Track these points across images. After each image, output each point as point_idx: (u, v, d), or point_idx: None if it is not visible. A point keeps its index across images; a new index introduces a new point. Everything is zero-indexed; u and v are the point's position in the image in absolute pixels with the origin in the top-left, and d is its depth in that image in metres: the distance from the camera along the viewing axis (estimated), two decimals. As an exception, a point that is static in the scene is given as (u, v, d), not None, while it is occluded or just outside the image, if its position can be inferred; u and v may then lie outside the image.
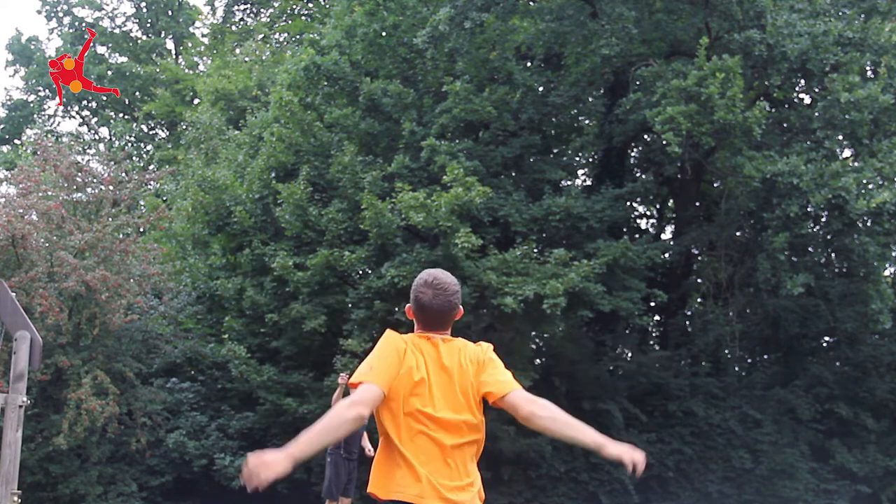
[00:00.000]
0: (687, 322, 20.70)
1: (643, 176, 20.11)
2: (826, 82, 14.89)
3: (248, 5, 31.74)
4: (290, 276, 15.48)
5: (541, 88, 17.87)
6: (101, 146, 29.27)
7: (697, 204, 20.58)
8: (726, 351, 20.14)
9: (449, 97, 16.24)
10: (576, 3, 17.06)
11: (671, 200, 22.52)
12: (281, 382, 15.89)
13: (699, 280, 20.25)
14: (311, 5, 30.43)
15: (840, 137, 15.47)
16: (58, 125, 33.05)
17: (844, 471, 18.32)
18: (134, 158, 28.83)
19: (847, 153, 16.85)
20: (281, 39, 30.47)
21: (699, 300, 21.21)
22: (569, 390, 17.33)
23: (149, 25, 33.16)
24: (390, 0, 17.24)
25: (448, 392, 3.03)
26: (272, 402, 15.72)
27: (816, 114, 15.40)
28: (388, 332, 3.15)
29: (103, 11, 32.58)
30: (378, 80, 17.15)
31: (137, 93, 31.17)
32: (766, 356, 21.34)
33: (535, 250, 15.32)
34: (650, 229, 22.55)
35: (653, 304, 18.94)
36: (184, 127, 25.74)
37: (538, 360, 18.22)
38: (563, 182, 18.24)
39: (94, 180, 16.05)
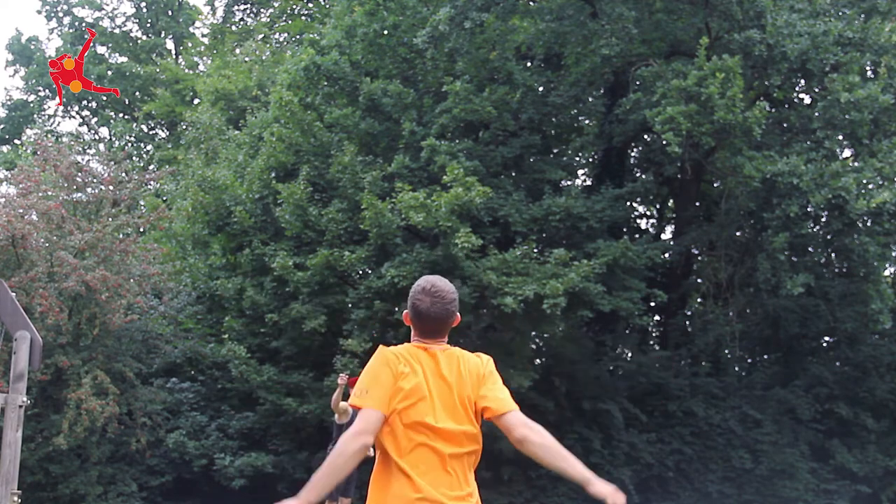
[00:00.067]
0: (687, 322, 20.70)
1: (643, 176, 20.11)
2: (826, 82, 14.89)
3: (248, 5, 31.72)
4: (290, 276, 15.48)
5: (541, 88, 17.86)
6: (101, 146, 29.24)
7: (697, 204, 20.58)
8: (726, 351, 20.14)
9: (449, 97, 16.24)
10: (576, 3, 17.05)
11: (671, 200, 22.53)
12: (281, 382, 15.89)
13: (699, 280, 20.25)
14: (311, 5, 30.41)
15: (840, 137, 15.48)
16: (58, 125, 33.06)
17: (844, 471, 18.33)
18: (134, 158, 28.80)
19: (847, 153, 16.85)
20: (281, 39, 30.46)
21: (699, 300, 21.21)
22: (569, 390, 17.33)
23: (149, 25, 33.14)
24: (390, 0, 17.24)
25: (448, 402, 3.01)
26: (272, 402, 15.72)
27: (816, 114, 15.40)
28: (381, 350, 3.11)
29: (103, 11, 32.57)
30: (378, 80, 17.15)
31: (137, 93, 31.15)
32: (766, 356, 21.35)
33: (535, 250, 15.32)
34: (650, 229, 22.56)
35: (653, 304, 18.95)
36: (184, 127, 25.73)
37: (538, 360, 18.21)
38: (563, 182, 18.24)
39: (94, 180, 16.05)
